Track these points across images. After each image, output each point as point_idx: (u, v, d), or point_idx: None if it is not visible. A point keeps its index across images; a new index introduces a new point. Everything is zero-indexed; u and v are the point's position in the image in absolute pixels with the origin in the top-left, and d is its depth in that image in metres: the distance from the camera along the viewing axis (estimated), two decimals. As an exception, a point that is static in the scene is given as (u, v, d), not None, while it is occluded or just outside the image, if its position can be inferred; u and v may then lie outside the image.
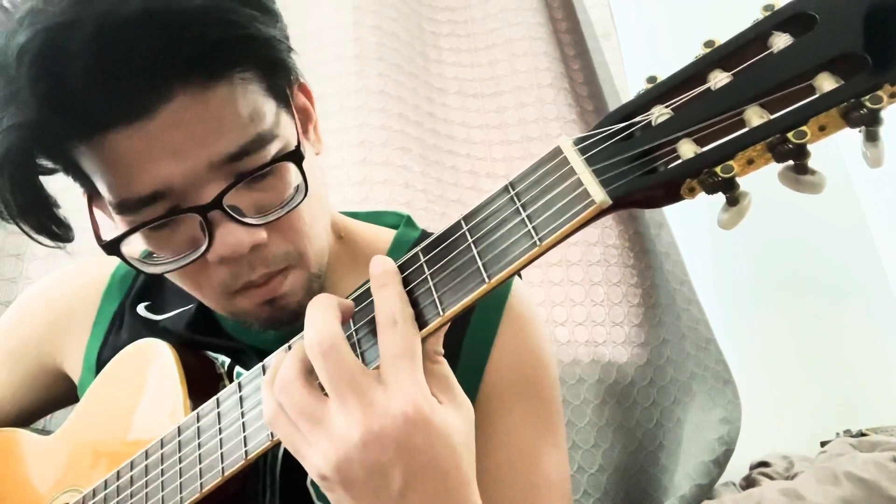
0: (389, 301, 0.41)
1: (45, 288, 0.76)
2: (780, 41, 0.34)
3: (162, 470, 0.53)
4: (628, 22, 1.68)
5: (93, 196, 0.54)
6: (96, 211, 0.54)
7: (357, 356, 0.41)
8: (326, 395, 0.41)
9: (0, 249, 1.20)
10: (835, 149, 1.58)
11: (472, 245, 0.40)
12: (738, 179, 0.35)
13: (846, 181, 1.63)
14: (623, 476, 1.17)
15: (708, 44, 0.36)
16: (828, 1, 0.33)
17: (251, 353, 0.61)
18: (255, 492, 0.59)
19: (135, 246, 0.53)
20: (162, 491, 0.53)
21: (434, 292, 0.41)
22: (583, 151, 0.38)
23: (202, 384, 0.57)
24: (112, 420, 0.62)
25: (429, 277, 0.42)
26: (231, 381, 0.57)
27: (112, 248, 0.50)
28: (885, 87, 0.31)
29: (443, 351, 0.44)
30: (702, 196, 0.37)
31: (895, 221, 1.57)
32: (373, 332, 0.42)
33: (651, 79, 0.38)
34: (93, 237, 0.51)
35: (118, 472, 0.57)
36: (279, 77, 0.52)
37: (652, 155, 0.36)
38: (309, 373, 0.42)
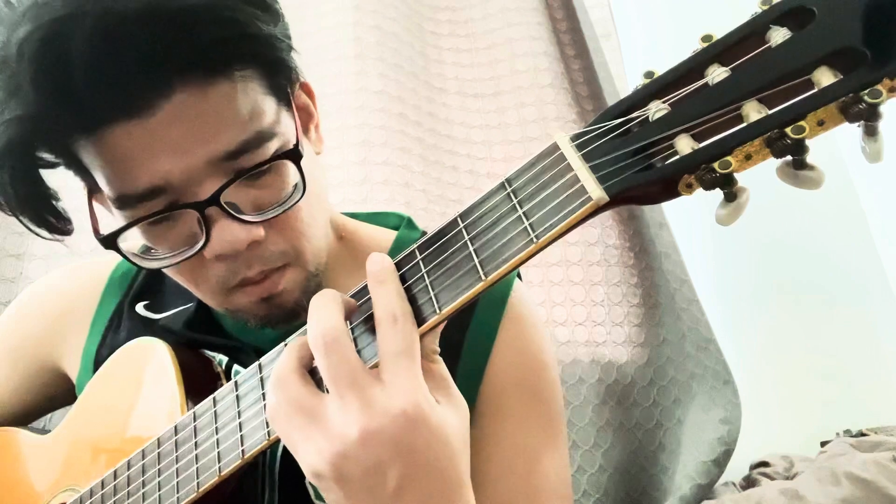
0: (389, 298, 0.40)
1: (44, 287, 0.76)
2: (779, 35, 0.34)
3: (159, 469, 0.53)
4: (628, 22, 1.68)
5: (93, 190, 0.54)
6: (96, 205, 0.55)
7: None
8: (322, 390, 0.41)
9: (0, 249, 1.20)
10: (835, 149, 1.57)
11: (469, 242, 0.40)
12: (735, 175, 0.34)
13: (846, 181, 1.63)
14: (623, 476, 1.17)
15: (705, 38, 0.36)
16: (826, -5, 0.33)
17: (250, 352, 0.61)
18: (255, 491, 0.59)
19: (133, 241, 0.53)
20: (159, 490, 0.53)
21: (430, 290, 0.41)
22: (580, 147, 0.38)
23: (199, 383, 0.57)
24: (109, 419, 0.62)
25: (425, 275, 0.41)
26: (229, 379, 0.57)
27: (109, 241, 0.50)
28: (884, 81, 0.31)
29: (440, 350, 0.44)
30: (701, 195, 0.36)
31: (895, 222, 1.56)
32: (370, 330, 0.42)
33: (648, 74, 0.37)
34: (92, 237, 0.51)
35: (115, 471, 0.57)
36: (280, 75, 0.52)
37: (649, 151, 0.36)
38: (306, 367, 0.42)
